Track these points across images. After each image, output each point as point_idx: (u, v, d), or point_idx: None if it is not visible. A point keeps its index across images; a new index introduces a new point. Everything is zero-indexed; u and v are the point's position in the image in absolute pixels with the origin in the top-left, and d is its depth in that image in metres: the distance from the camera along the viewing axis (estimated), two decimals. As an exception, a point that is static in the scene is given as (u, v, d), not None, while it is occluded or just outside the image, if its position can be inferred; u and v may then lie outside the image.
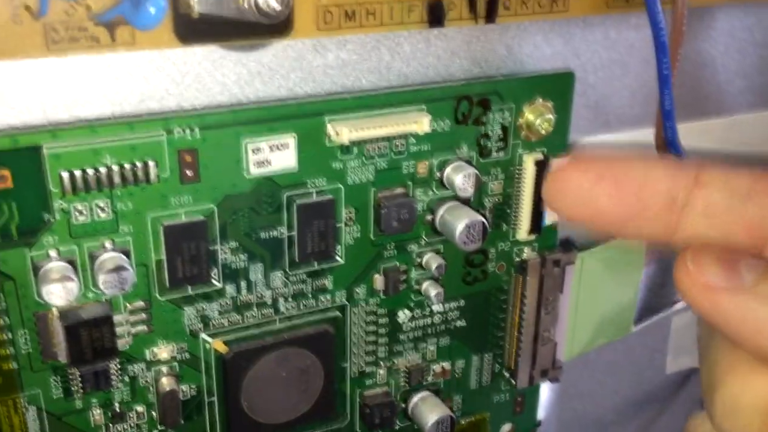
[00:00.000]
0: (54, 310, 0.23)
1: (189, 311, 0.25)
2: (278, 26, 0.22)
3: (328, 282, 0.27)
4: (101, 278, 0.22)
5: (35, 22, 0.19)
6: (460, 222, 0.26)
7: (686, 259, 0.19)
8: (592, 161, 0.21)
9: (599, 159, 0.21)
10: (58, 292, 0.22)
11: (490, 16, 0.24)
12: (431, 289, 0.28)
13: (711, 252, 0.19)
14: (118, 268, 0.22)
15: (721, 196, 0.19)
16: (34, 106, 0.22)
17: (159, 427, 0.26)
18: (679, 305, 0.37)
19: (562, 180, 0.21)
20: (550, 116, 0.27)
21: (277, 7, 0.21)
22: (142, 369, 0.25)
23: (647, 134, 0.31)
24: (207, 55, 0.23)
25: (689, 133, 0.30)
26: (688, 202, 0.19)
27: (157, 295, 0.24)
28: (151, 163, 0.22)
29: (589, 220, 0.22)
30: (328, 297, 0.27)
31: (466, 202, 0.27)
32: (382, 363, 0.29)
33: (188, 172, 0.23)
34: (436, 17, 0.24)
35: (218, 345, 0.25)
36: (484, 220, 0.27)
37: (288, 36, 0.22)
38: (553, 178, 0.21)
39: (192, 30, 0.21)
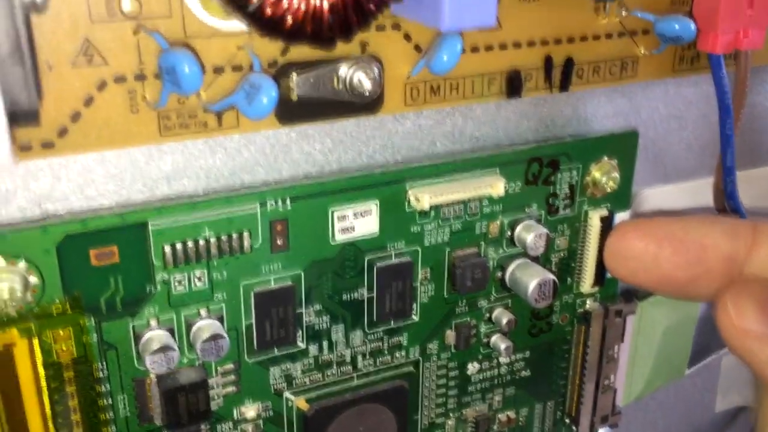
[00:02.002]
0: (152, 375, 0.24)
1: (274, 371, 0.26)
2: (370, 104, 0.23)
3: (403, 339, 0.27)
4: (199, 346, 0.23)
5: (150, 111, 0.20)
6: (532, 280, 0.27)
7: (727, 301, 0.19)
8: (652, 226, 0.22)
9: (658, 223, 0.22)
10: (161, 362, 0.22)
11: (565, 86, 0.25)
12: (500, 343, 0.29)
13: (751, 294, 0.19)
14: (216, 337, 0.23)
15: None
16: (136, 182, 0.23)
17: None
18: (730, 347, 0.37)
19: (624, 246, 0.22)
20: (616, 174, 0.28)
21: (370, 87, 0.22)
22: (230, 428, 0.26)
23: (704, 185, 0.32)
24: (294, 127, 0.24)
25: (744, 181, 0.31)
26: (747, 260, 0.20)
27: (246, 358, 0.25)
28: (245, 234, 0.23)
29: (653, 285, 0.22)
30: (403, 353, 0.28)
31: (535, 259, 0.28)
32: (451, 414, 0.30)
33: (279, 241, 0.24)
34: (514, 89, 0.25)
35: (301, 403, 0.26)
36: (554, 278, 0.27)
37: (378, 112, 0.23)
38: (614, 243, 0.22)
39: (291, 112, 0.22)
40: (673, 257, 0.21)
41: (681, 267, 0.21)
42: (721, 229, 0.20)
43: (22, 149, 0.19)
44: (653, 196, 0.32)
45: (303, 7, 0.17)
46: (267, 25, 0.17)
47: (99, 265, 0.22)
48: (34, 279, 0.21)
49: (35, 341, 0.22)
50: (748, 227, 0.21)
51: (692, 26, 0.24)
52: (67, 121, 0.19)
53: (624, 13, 0.25)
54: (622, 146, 0.28)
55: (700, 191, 0.32)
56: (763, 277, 0.20)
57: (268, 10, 0.17)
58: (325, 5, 0.17)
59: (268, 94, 0.19)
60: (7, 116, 0.14)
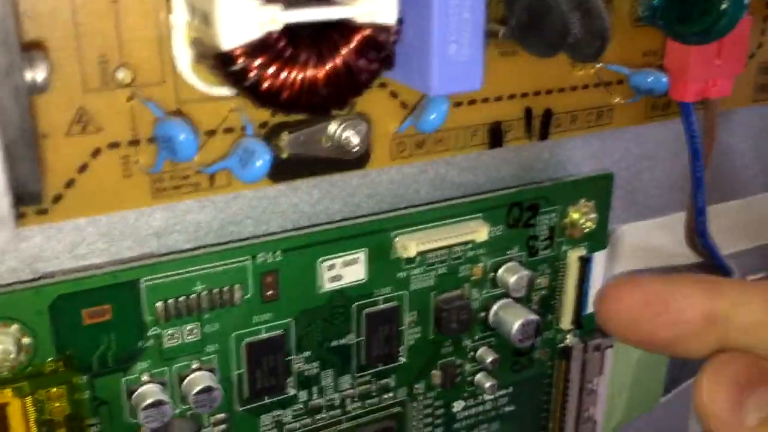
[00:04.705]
0: (145, 429, 0.24)
1: (264, 419, 0.26)
2: (357, 160, 0.23)
3: (391, 381, 0.28)
4: (192, 398, 0.23)
5: (143, 175, 0.20)
6: (516, 321, 0.28)
7: (703, 379, 0.19)
8: (637, 284, 0.22)
9: (643, 281, 0.22)
10: (154, 416, 0.23)
11: (544, 135, 0.26)
12: (485, 381, 0.29)
13: (728, 376, 0.19)
14: (209, 389, 0.23)
15: (760, 311, 0.19)
16: (126, 239, 0.23)
17: None
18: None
19: (612, 307, 0.22)
20: (593, 215, 0.29)
21: (357, 144, 0.23)
22: (221, 476, 0.26)
23: (676, 220, 0.33)
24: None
25: (713, 215, 0.32)
26: (729, 320, 0.20)
27: (237, 407, 0.25)
28: (236, 287, 0.24)
29: (639, 343, 0.23)
30: (391, 394, 0.28)
31: (517, 299, 0.29)
32: (437, 451, 0.30)
33: (269, 292, 0.24)
34: (496, 140, 0.25)
35: (291, 448, 0.27)
36: (538, 318, 0.28)
37: (365, 167, 0.23)
38: (604, 303, 0.22)
39: (282, 170, 0.22)
40: (656, 317, 0.22)
41: (663, 327, 0.22)
42: (703, 288, 0.21)
43: (16, 217, 0.19)
44: (628, 232, 0.33)
45: (299, 80, 0.17)
46: (263, 97, 0.17)
47: (91, 324, 0.22)
48: (26, 339, 0.21)
49: (28, 400, 0.22)
50: (732, 284, 0.21)
51: (664, 79, 0.25)
52: (61, 188, 0.19)
53: (599, 66, 0.26)
54: (598, 188, 0.29)
55: (672, 226, 0.33)
56: (743, 337, 0.20)
57: (265, 84, 0.17)
58: (320, 78, 0.18)
59: (262, 158, 0.20)
60: (13, 201, 0.14)
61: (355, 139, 0.22)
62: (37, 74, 0.15)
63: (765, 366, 0.19)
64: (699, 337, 0.21)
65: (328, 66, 0.18)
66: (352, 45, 0.18)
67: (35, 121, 0.17)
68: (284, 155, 0.22)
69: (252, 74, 0.17)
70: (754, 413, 0.18)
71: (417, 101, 0.23)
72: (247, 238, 0.24)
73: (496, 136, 0.25)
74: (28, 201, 0.15)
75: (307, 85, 0.17)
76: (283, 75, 0.17)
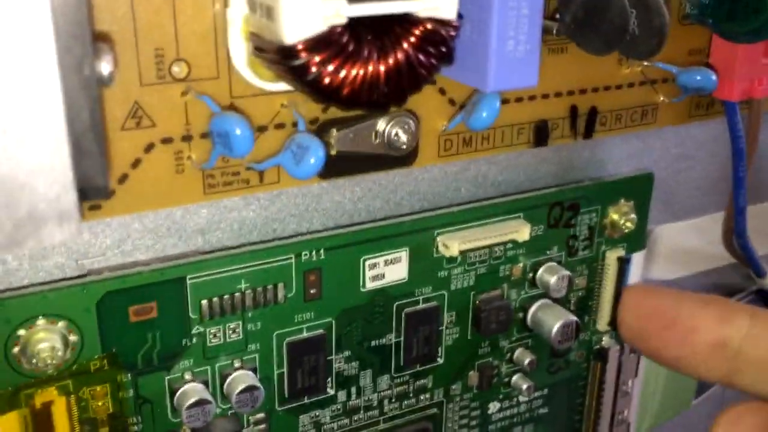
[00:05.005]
0: (186, 428, 0.23)
1: (303, 419, 0.26)
2: (405, 157, 0.23)
3: (428, 381, 0.28)
4: (235, 398, 0.23)
5: (195, 171, 0.20)
6: (556, 323, 0.28)
7: (722, 420, 0.19)
8: (648, 294, 0.22)
9: (654, 294, 0.22)
10: (197, 415, 0.22)
11: (589, 134, 0.26)
12: (522, 383, 0.29)
13: (745, 423, 0.19)
14: (252, 388, 0.23)
15: None
16: (172, 235, 0.23)
17: None
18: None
19: (624, 313, 0.22)
20: (633, 215, 0.29)
21: (406, 141, 0.22)
22: (260, 475, 0.26)
23: (713, 221, 0.33)
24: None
25: (750, 215, 0.32)
26: (741, 348, 0.19)
27: (277, 407, 0.25)
28: (280, 285, 0.23)
29: (649, 355, 0.22)
30: (428, 395, 0.28)
31: (556, 300, 0.29)
32: (472, 453, 0.30)
33: (312, 291, 0.24)
34: (541, 138, 0.25)
35: (329, 448, 0.26)
36: (577, 320, 0.28)
37: (413, 165, 0.23)
38: (618, 308, 0.22)
39: (331, 168, 0.22)
40: (663, 332, 0.21)
41: (671, 344, 0.21)
42: (714, 313, 0.20)
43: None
44: (665, 233, 0.32)
45: (360, 76, 0.17)
46: (324, 93, 0.17)
47: (137, 321, 0.22)
48: (73, 337, 0.21)
49: (72, 398, 0.22)
50: (745, 314, 0.20)
51: (714, 77, 0.25)
52: (114, 183, 0.19)
53: (646, 64, 0.26)
54: (638, 188, 0.29)
55: (709, 228, 0.33)
56: (757, 373, 0.20)
57: (326, 80, 0.17)
58: (382, 73, 0.17)
59: (315, 155, 0.20)
60: (79, 195, 0.14)
61: (404, 136, 0.22)
62: (103, 66, 0.15)
63: None
64: (708, 362, 0.20)
65: (390, 61, 0.17)
66: (413, 39, 0.18)
67: (103, 114, 0.17)
68: (333, 152, 0.22)
69: (313, 69, 0.17)
70: None
71: (466, 98, 0.23)
72: (290, 236, 0.24)
73: (541, 134, 0.25)
74: (94, 195, 0.15)
75: (368, 81, 0.17)
76: (345, 70, 0.17)
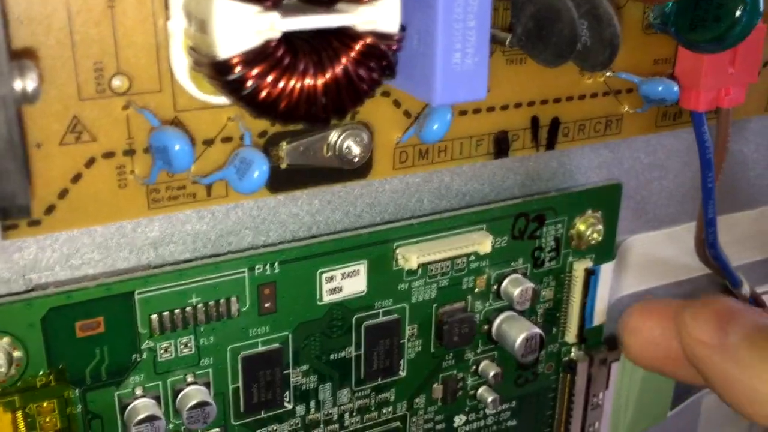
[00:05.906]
0: (137, 444, 0.23)
1: (261, 433, 0.25)
2: (359, 170, 0.23)
3: (390, 395, 0.27)
4: (186, 414, 0.23)
5: (139, 186, 0.20)
6: (519, 335, 0.27)
7: (686, 315, 0.23)
8: (654, 308, 0.24)
9: (660, 304, 0.24)
10: (147, 431, 0.22)
11: (551, 145, 0.26)
12: (487, 395, 0.29)
13: (708, 310, 0.22)
14: (203, 404, 0.23)
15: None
16: (122, 249, 0.22)
17: None
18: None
19: (633, 328, 0.24)
20: (600, 227, 0.29)
21: (358, 154, 0.22)
22: (216, 491, 0.25)
23: (686, 230, 0.33)
24: (282, 189, 0.24)
25: (724, 225, 0.32)
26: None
27: (232, 421, 0.25)
28: (233, 299, 0.23)
29: (653, 367, 0.24)
30: (390, 409, 0.28)
31: (521, 312, 0.28)
32: (438, 466, 0.30)
33: (266, 304, 0.24)
34: (501, 149, 0.25)
35: (288, 463, 0.26)
36: (541, 332, 0.27)
37: (367, 177, 0.23)
38: (625, 325, 0.24)
39: (281, 180, 0.21)
40: (659, 340, 0.24)
41: (668, 350, 0.24)
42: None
43: (6, 229, 0.18)
44: (636, 243, 0.32)
45: (297, 89, 0.17)
46: (261, 107, 0.17)
47: (84, 336, 0.21)
48: (18, 353, 0.21)
49: (19, 414, 0.21)
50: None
51: (675, 88, 0.25)
52: (54, 198, 0.19)
53: (608, 74, 0.25)
54: (605, 199, 0.29)
55: (682, 237, 0.33)
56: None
57: (263, 93, 0.17)
58: (319, 87, 0.17)
59: (259, 169, 0.19)
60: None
61: (356, 149, 0.22)
62: (27, 83, 0.14)
63: (737, 307, 0.23)
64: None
65: (328, 75, 0.17)
66: (353, 53, 0.17)
67: (25, 132, 0.16)
68: (283, 165, 0.21)
69: (249, 83, 0.16)
70: (735, 334, 0.22)
71: (420, 110, 0.23)
72: (245, 249, 0.24)
73: (501, 145, 0.25)
74: (16, 214, 0.15)
75: (305, 95, 0.17)
76: (281, 84, 0.17)
